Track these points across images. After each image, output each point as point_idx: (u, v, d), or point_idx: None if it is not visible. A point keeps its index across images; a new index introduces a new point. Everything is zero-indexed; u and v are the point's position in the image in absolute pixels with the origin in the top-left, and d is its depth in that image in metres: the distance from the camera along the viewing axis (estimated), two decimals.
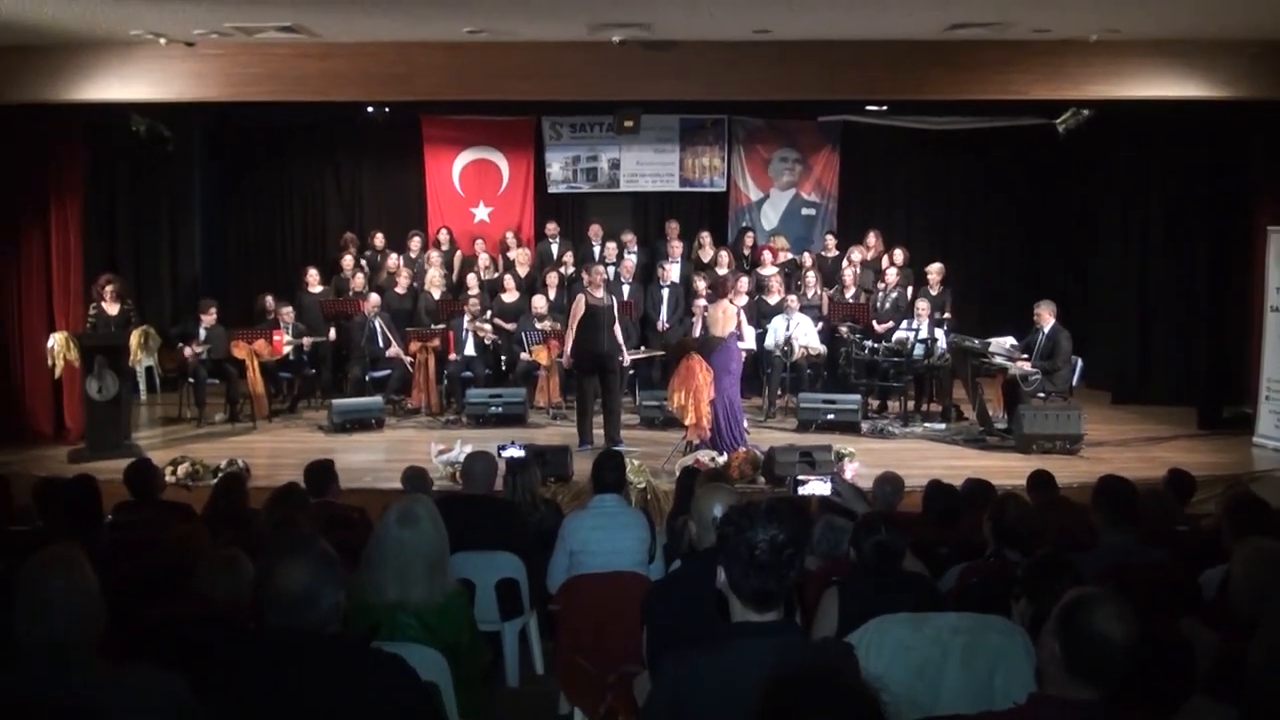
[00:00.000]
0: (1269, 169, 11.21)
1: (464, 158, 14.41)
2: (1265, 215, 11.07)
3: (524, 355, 11.74)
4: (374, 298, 12.08)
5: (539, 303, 12.09)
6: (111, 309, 10.35)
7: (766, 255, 13.27)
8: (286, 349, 11.74)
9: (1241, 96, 10.27)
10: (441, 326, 12.02)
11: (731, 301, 9.89)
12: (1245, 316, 11.52)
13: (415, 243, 13.50)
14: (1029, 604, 3.59)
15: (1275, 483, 9.17)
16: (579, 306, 9.96)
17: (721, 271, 12.67)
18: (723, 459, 9.06)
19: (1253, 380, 11.08)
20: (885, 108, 13.04)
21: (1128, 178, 13.27)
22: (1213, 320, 12.16)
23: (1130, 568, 4.36)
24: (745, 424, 10.01)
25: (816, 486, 6.23)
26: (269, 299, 12.24)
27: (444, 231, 13.76)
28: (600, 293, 10.00)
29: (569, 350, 10.14)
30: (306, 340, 11.99)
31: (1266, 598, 3.42)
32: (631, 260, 13.08)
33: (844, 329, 11.95)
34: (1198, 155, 12.20)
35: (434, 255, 13.15)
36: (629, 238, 13.66)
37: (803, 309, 12.14)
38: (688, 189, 14.57)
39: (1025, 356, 10.70)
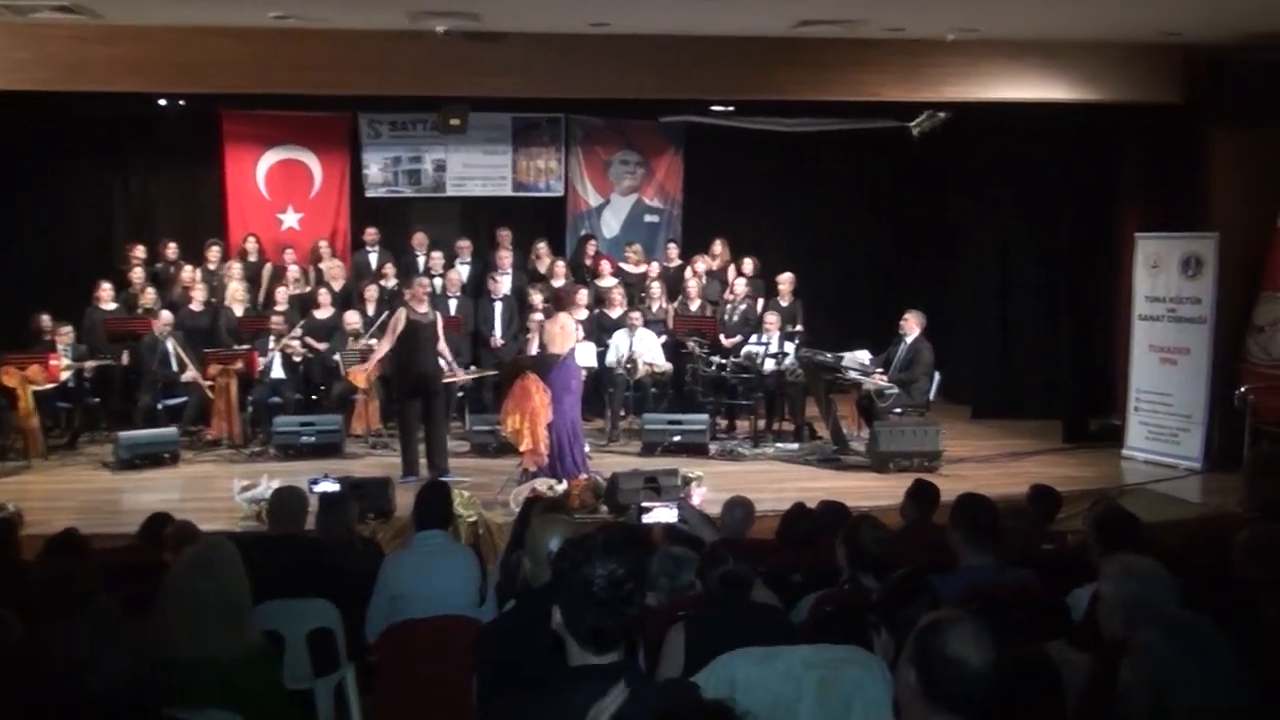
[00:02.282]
0: (1136, 174, 11.73)
1: (270, 158, 14.10)
2: (1132, 221, 11.61)
3: (339, 378, 11.53)
4: (165, 315, 11.67)
5: (354, 319, 11.90)
6: None
7: (605, 266, 13.34)
8: (65, 375, 11.24)
9: (1105, 100, 10.78)
10: (245, 347, 11.70)
11: (570, 314, 9.90)
12: (1111, 326, 12.08)
13: (214, 253, 13.12)
14: (887, 632, 3.67)
15: (1145, 495, 9.63)
16: (398, 322, 9.85)
17: (557, 283, 12.68)
18: (562, 487, 9.06)
19: (1120, 391, 11.61)
20: (731, 108, 13.28)
21: (988, 182, 13.78)
22: (1078, 330, 12.70)
23: (992, 589, 4.47)
24: (587, 448, 10.03)
25: (662, 514, 6.28)
26: (45, 318, 11.68)
27: (250, 240, 13.41)
28: (424, 307, 9.91)
29: (372, 364, 10.22)
30: (88, 364, 11.50)
31: (1137, 616, 3.54)
32: (459, 272, 12.96)
33: (690, 344, 12.10)
34: (1062, 160, 12.75)
35: (236, 267, 12.79)
36: (464, 244, 13.55)
37: (646, 323, 12.24)
38: (521, 194, 14.55)
39: (881, 371, 11.01)
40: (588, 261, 13.58)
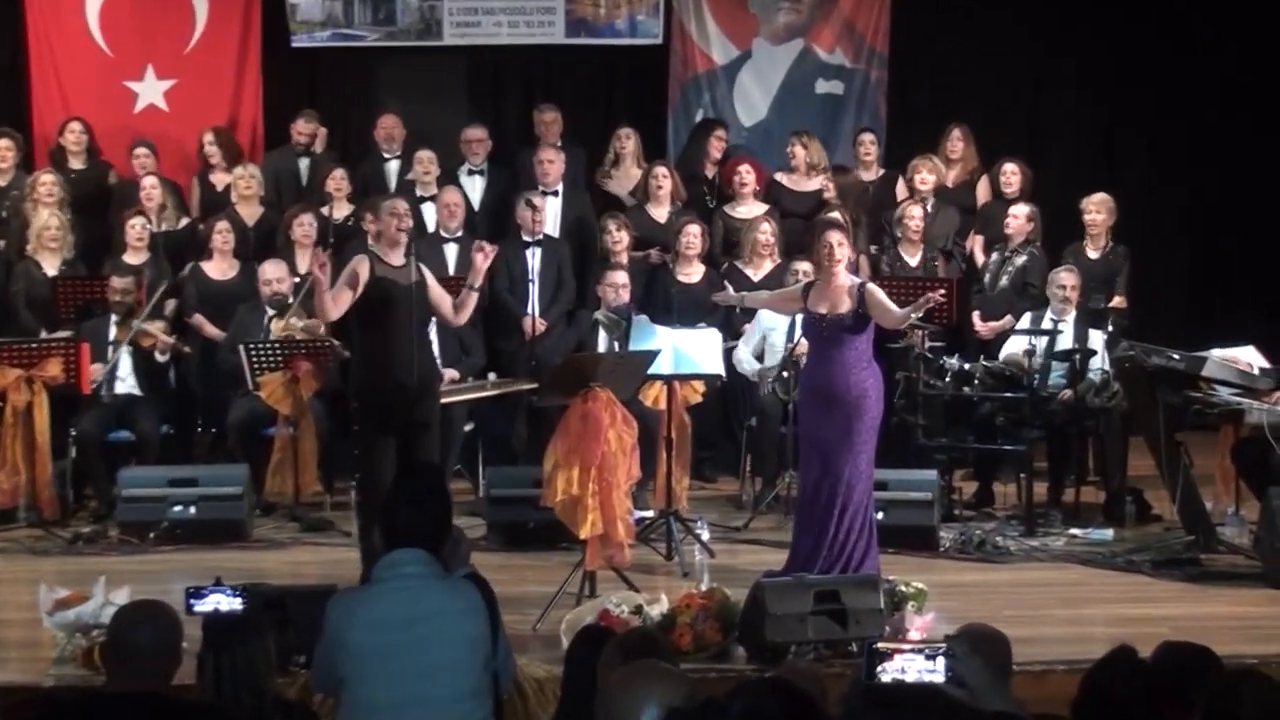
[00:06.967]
0: None
1: None
2: None
3: (246, 392, 11.68)
4: None
5: (274, 274, 12.01)
6: None
7: (747, 176, 13.32)
8: None
9: None
10: (64, 335, 11.88)
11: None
12: None
13: (3, 154, 13.37)
14: None
15: None
16: (358, 277, 9.70)
17: (660, 214, 12.68)
18: (658, 609, 9.04)
19: None
20: None
21: None
22: None
23: None
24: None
25: (914, 667, 6.26)
26: None
27: (74, 128, 13.63)
28: (400, 258, 9.87)
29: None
30: None
31: None
32: (464, 191, 13.06)
33: (909, 332, 12.04)
34: None
35: (47, 180, 12.93)
36: (477, 136, 13.62)
37: None
38: (582, 40, 14.72)
39: None
40: (711, 171, 13.55)
